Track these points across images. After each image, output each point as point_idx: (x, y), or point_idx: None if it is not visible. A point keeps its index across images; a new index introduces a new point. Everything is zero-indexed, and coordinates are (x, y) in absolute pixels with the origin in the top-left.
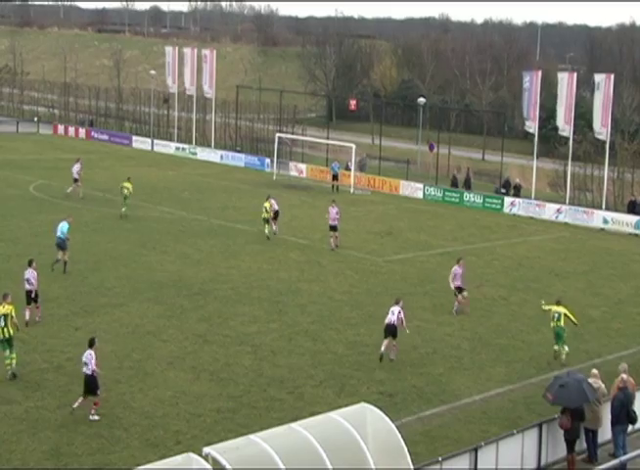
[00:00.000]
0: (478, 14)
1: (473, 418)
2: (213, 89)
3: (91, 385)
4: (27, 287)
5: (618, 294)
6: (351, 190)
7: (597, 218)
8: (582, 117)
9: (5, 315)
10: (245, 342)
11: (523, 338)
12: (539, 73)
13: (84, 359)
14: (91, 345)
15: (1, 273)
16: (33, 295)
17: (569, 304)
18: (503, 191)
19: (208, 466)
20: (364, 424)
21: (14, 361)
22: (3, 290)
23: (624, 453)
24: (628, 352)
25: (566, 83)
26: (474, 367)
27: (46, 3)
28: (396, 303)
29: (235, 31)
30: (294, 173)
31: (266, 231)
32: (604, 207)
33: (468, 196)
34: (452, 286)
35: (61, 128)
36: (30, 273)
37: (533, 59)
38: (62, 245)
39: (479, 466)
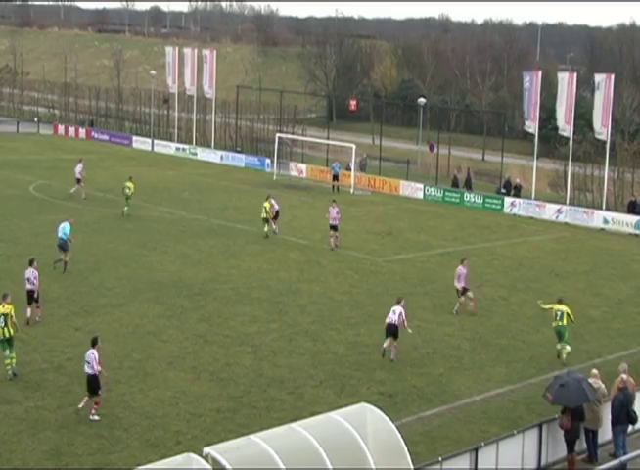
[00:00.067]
0: (478, 14)
1: (473, 418)
2: (214, 89)
3: (92, 384)
4: (28, 286)
5: (619, 294)
6: (351, 190)
7: (597, 219)
8: (582, 117)
9: (5, 315)
10: (245, 342)
11: (523, 338)
12: (539, 74)
13: (86, 358)
14: (94, 344)
15: (1, 273)
16: (36, 294)
17: (569, 304)
18: (503, 191)
19: (209, 466)
20: (364, 424)
21: (14, 361)
22: (3, 290)
23: (625, 454)
24: (628, 352)
25: (566, 83)
26: (474, 367)
27: (46, 3)
28: (398, 302)
29: (235, 31)
30: (294, 174)
31: (265, 229)
32: (604, 207)
33: (468, 196)
34: (457, 286)
35: (61, 128)
36: (31, 273)
37: (534, 59)
38: (63, 246)
39: (479, 466)
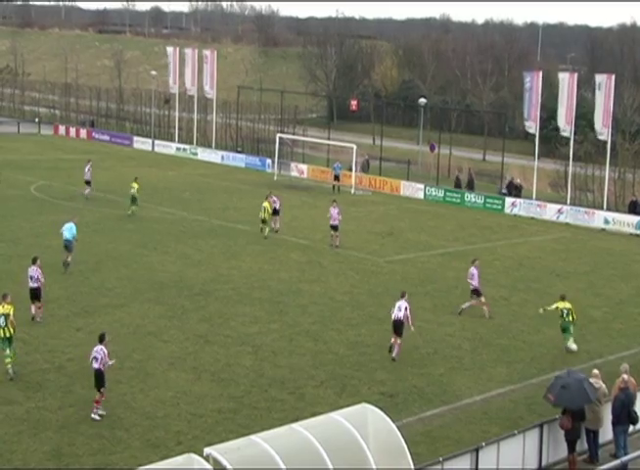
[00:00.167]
0: (478, 14)
1: (474, 418)
2: (214, 90)
3: (98, 380)
4: (31, 284)
5: (620, 294)
6: (352, 190)
7: (598, 219)
8: (583, 117)
9: (5, 315)
10: (246, 342)
11: (524, 338)
12: (540, 74)
13: (94, 354)
14: (101, 340)
15: (2, 274)
16: (42, 292)
17: (570, 301)
18: (504, 192)
19: (209, 467)
20: (365, 424)
21: (13, 360)
22: (4, 290)
23: (625, 454)
24: (629, 352)
25: (567, 84)
26: (475, 368)
27: (47, 4)
28: (402, 296)
29: (236, 32)
30: (295, 174)
31: (266, 229)
32: (605, 207)
33: (469, 196)
34: (471, 286)
35: (62, 129)
36: (35, 271)
37: (534, 59)
38: (69, 246)
39: (480, 466)
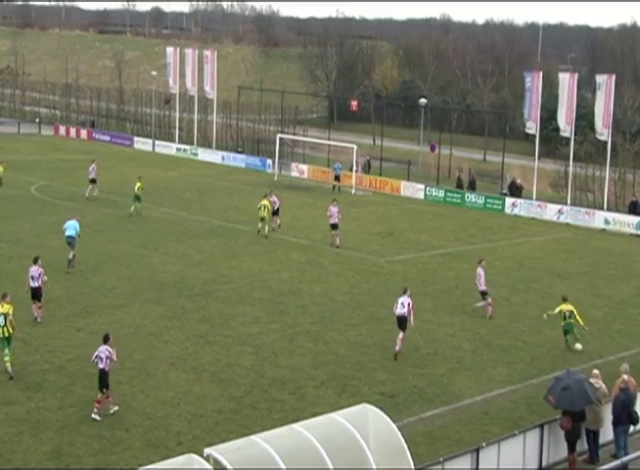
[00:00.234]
0: (479, 14)
1: (474, 419)
2: (215, 90)
3: (102, 380)
4: (32, 284)
5: (620, 294)
6: (353, 191)
7: (598, 219)
8: (584, 117)
9: (4, 314)
10: (246, 342)
11: (524, 338)
12: (540, 74)
13: (100, 354)
14: (106, 341)
15: (3, 274)
16: (42, 292)
17: (572, 303)
18: (505, 192)
19: (210, 467)
20: (365, 425)
21: (11, 359)
22: (4, 290)
23: (626, 454)
24: (630, 352)
25: (567, 84)
26: (475, 368)
27: (47, 4)
28: (404, 292)
29: (236, 32)
30: (295, 174)
31: (266, 227)
32: (605, 207)
33: (469, 197)
34: (478, 288)
35: (62, 129)
36: (36, 270)
37: (535, 59)
38: (72, 243)
39: (480, 467)
